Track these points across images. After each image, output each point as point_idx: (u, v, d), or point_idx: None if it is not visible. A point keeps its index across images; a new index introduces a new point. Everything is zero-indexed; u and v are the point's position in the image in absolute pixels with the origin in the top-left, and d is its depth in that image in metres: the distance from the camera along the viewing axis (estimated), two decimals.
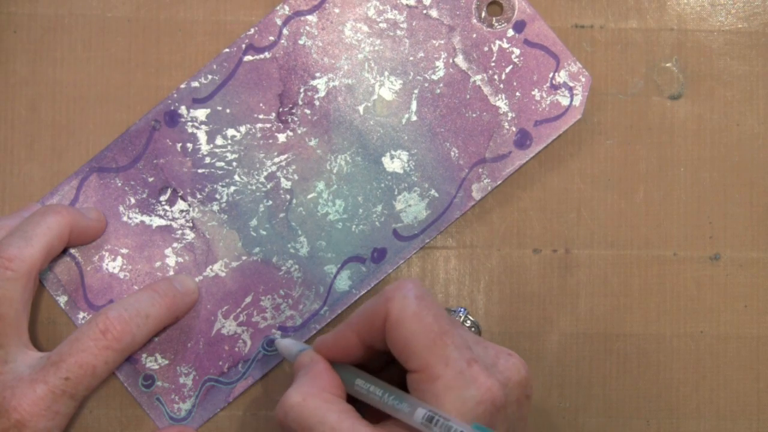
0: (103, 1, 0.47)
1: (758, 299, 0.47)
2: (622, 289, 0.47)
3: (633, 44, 0.48)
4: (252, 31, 0.46)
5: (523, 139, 0.46)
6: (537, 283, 0.47)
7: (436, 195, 0.46)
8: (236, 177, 0.46)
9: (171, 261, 0.46)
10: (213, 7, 0.47)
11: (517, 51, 0.46)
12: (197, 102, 0.46)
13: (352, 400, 0.39)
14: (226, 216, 0.46)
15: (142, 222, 0.46)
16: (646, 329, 0.47)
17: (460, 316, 0.44)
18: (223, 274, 0.46)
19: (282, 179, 0.46)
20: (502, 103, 0.46)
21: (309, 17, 0.46)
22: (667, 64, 0.48)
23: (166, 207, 0.46)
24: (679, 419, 0.47)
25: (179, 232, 0.46)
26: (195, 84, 0.46)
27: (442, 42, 0.46)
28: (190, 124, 0.46)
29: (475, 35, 0.46)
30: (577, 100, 0.46)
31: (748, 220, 0.47)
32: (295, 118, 0.46)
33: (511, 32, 0.46)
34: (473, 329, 0.44)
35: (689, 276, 0.47)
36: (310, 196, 0.46)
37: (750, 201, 0.47)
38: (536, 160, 0.47)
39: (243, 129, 0.46)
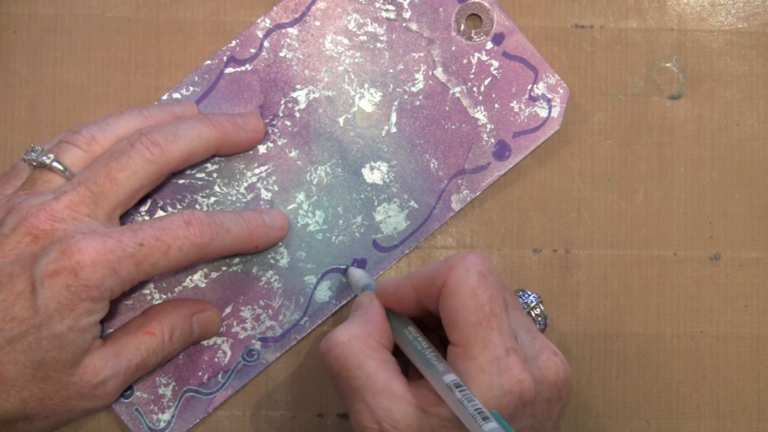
0: (103, 1, 0.47)
1: (758, 299, 0.47)
2: (622, 289, 0.47)
3: (633, 44, 0.48)
4: (233, 43, 0.47)
5: (501, 151, 0.46)
6: (537, 283, 0.47)
7: (416, 206, 0.46)
8: (216, 188, 0.46)
9: None
10: (213, 7, 0.47)
11: (495, 63, 0.47)
12: None
13: (397, 356, 0.39)
14: None
15: None
16: (646, 329, 0.47)
17: (531, 302, 0.44)
18: (203, 285, 0.46)
19: (262, 190, 0.46)
20: (481, 115, 0.47)
21: (290, 30, 0.47)
22: (667, 64, 0.48)
23: (146, 218, 0.45)
24: (679, 419, 0.47)
25: None
26: (177, 95, 0.46)
27: (422, 54, 0.47)
28: None
29: (454, 48, 0.47)
30: (556, 112, 0.47)
31: (748, 220, 0.47)
32: (276, 130, 0.46)
33: (489, 45, 0.47)
34: (540, 318, 0.44)
35: (689, 276, 0.47)
36: (290, 207, 0.46)
37: (750, 201, 0.47)
38: (536, 160, 0.47)
39: None
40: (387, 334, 0.40)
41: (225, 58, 0.47)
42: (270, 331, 0.46)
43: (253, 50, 0.47)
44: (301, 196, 0.46)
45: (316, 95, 0.47)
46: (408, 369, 0.40)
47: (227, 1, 0.47)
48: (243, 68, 0.47)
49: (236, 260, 0.46)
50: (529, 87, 0.47)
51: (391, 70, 0.47)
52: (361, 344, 0.38)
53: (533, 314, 0.44)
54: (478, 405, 0.35)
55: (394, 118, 0.47)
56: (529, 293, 0.44)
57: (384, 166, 0.47)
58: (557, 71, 0.47)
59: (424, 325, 0.42)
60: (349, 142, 0.47)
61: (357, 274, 0.44)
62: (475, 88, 0.47)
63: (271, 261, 0.46)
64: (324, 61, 0.47)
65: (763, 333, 0.47)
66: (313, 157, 0.46)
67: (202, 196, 0.46)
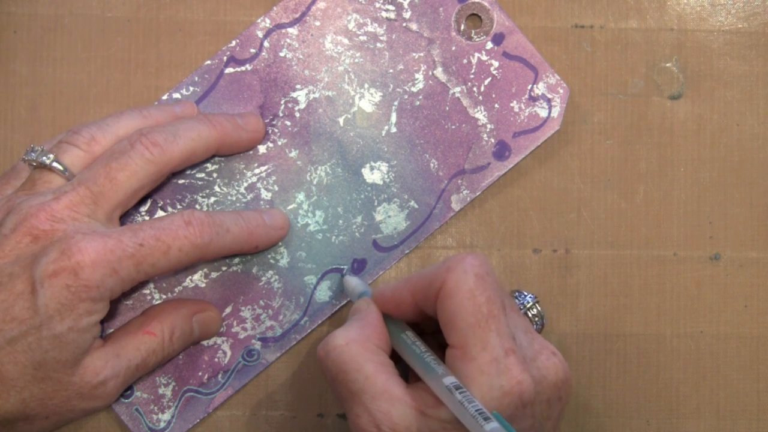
0: (103, 1, 0.47)
1: (758, 299, 0.47)
2: (622, 289, 0.47)
3: (633, 44, 0.48)
4: (233, 43, 0.47)
5: (501, 151, 0.46)
6: (537, 283, 0.47)
7: (416, 206, 0.46)
8: (216, 188, 0.46)
9: None
10: (213, 7, 0.47)
11: (495, 63, 0.47)
12: None
13: (395, 361, 0.39)
14: None
15: None
16: (646, 329, 0.47)
17: (528, 302, 0.44)
18: (203, 285, 0.46)
19: (262, 190, 0.46)
20: (481, 115, 0.47)
21: (290, 30, 0.47)
22: (667, 64, 0.48)
23: (146, 218, 0.46)
24: (679, 419, 0.47)
25: None
26: (177, 95, 0.46)
27: (422, 54, 0.47)
28: None
29: (454, 48, 0.47)
30: (556, 112, 0.47)
31: (748, 220, 0.47)
32: (276, 130, 0.46)
33: (489, 45, 0.47)
34: (536, 319, 0.44)
35: (689, 276, 0.47)
36: (290, 207, 0.46)
37: (750, 201, 0.47)
38: (536, 160, 0.47)
39: None
40: (385, 337, 0.40)
41: (225, 58, 0.47)
42: (270, 331, 0.46)
43: (253, 50, 0.47)
44: (301, 196, 0.46)
45: (316, 95, 0.47)
46: (406, 375, 0.40)
47: (227, 1, 0.47)
48: (243, 68, 0.47)
49: (236, 260, 0.46)
50: (529, 87, 0.47)
51: (391, 70, 0.47)
52: (359, 347, 0.38)
53: (530, 315, 0.44)
54: (479, 406, 0.35)
55: (394, 118, 0.47)
56: (526, 294, 0.44)
57: (384, 166, 0.47)
58: (557, 71, 0.47)
59: (422, 329, 0.42)
60: (349, 142, 0.47)
61: (353, 282, 0.44)
62: (475, 88, 0.47)
63: (271, 261, 0.46)
64: (324, 61, 0.47)
65: (763, 333, 0.47)
66: (313, 157, 0.46)
67: (202, 196, 0.46)
